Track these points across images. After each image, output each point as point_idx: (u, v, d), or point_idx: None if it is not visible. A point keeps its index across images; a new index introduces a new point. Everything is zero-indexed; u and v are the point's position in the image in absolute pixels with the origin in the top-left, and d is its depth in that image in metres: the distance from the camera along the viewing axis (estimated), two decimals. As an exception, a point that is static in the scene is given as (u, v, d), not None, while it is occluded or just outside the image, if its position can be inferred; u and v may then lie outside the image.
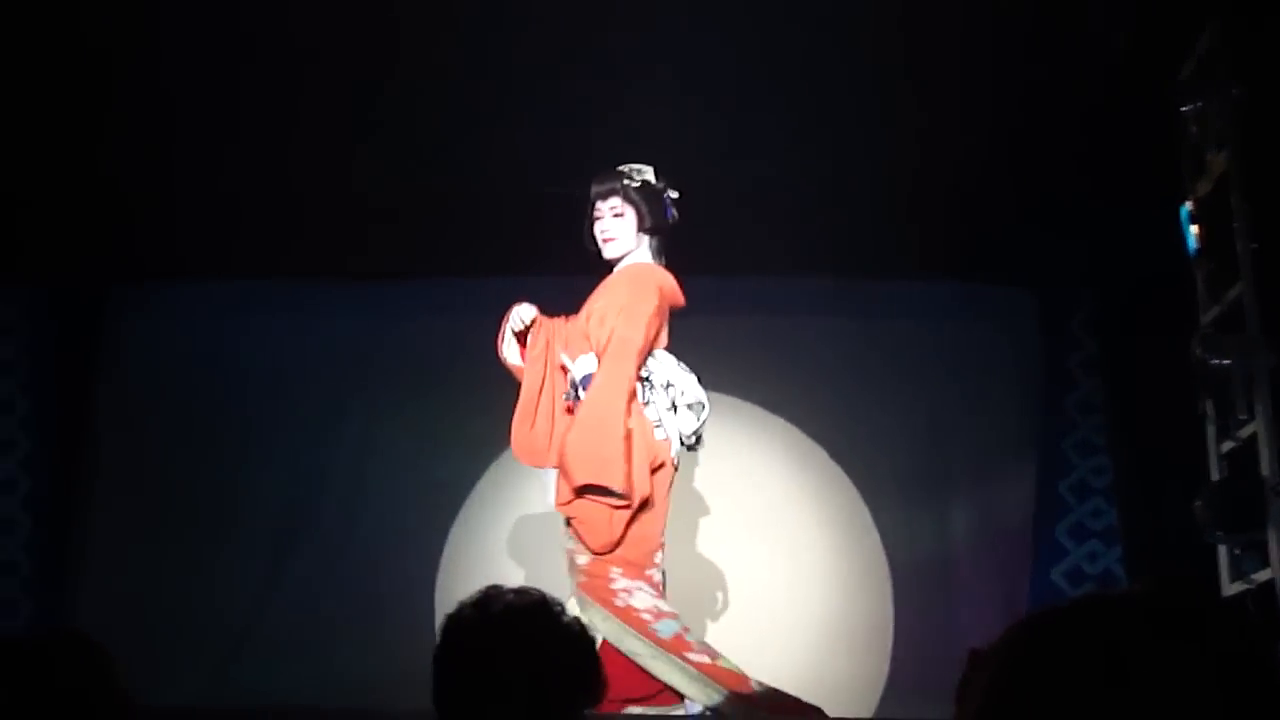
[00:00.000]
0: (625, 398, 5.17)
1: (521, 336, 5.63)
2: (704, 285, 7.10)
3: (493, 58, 6.25)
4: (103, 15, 5.92)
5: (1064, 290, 7.77)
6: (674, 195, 5.60)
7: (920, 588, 7.58)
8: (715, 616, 7.29)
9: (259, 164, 7.03)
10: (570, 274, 5.88)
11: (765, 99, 6.52)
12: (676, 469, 5.39)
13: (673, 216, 5.57)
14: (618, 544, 5.08)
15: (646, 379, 5.33)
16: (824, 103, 6.50)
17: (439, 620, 2.42)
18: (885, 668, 7.48)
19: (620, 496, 5.05)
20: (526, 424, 5.48)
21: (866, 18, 5.94)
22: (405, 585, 7.62)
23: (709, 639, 6.02)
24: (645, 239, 5.55)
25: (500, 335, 5.67)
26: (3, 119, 6.60)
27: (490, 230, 7.52)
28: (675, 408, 5.33)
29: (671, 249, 5.70)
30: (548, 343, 5.58)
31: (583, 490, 5.11)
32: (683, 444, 5.37)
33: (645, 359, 5.33)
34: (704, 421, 5.39)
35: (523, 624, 2.24)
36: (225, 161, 7.01)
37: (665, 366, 5.43)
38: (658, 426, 5.28)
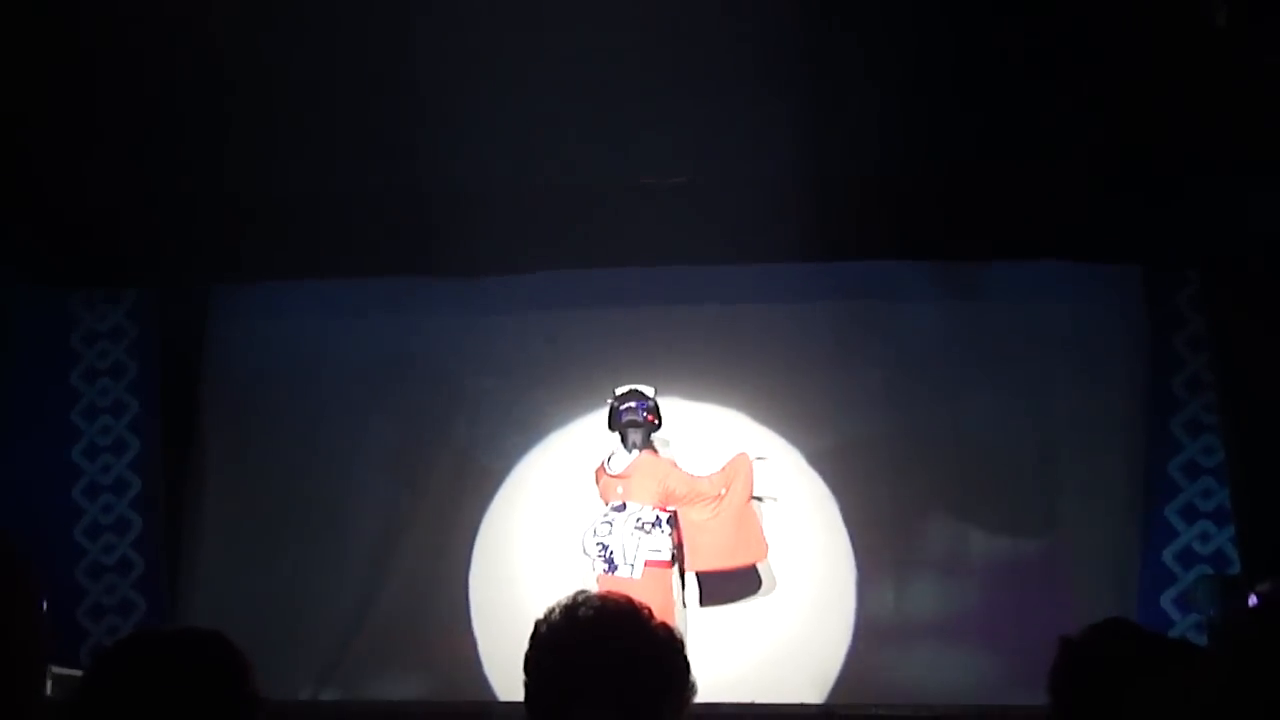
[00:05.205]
0: None
1: None
2: (794, 272, 7.74)
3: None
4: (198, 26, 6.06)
5: (1168, 266, 7.66)
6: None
7: (1021, 572, 7.61)
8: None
9: (357, 165, 7.14)
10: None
11: (862, 80, 6.55)
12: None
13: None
14: None
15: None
16: (919, 83, 6.51)
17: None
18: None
19: None
20: None
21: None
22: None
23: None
24: None
25: None
26: (104, 126, 6.78)
27: (581, 225, 7.65)
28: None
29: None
30: None
31: None
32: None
33: None
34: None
35: (609, 629, 2.27)
36: (323, 164, 7.11)
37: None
38: None
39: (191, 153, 7.00)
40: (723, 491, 7.46)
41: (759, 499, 7.60)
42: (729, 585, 7.73)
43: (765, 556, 7.63)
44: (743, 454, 7.59)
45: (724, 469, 7.55)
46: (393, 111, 6.71)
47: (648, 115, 6.80)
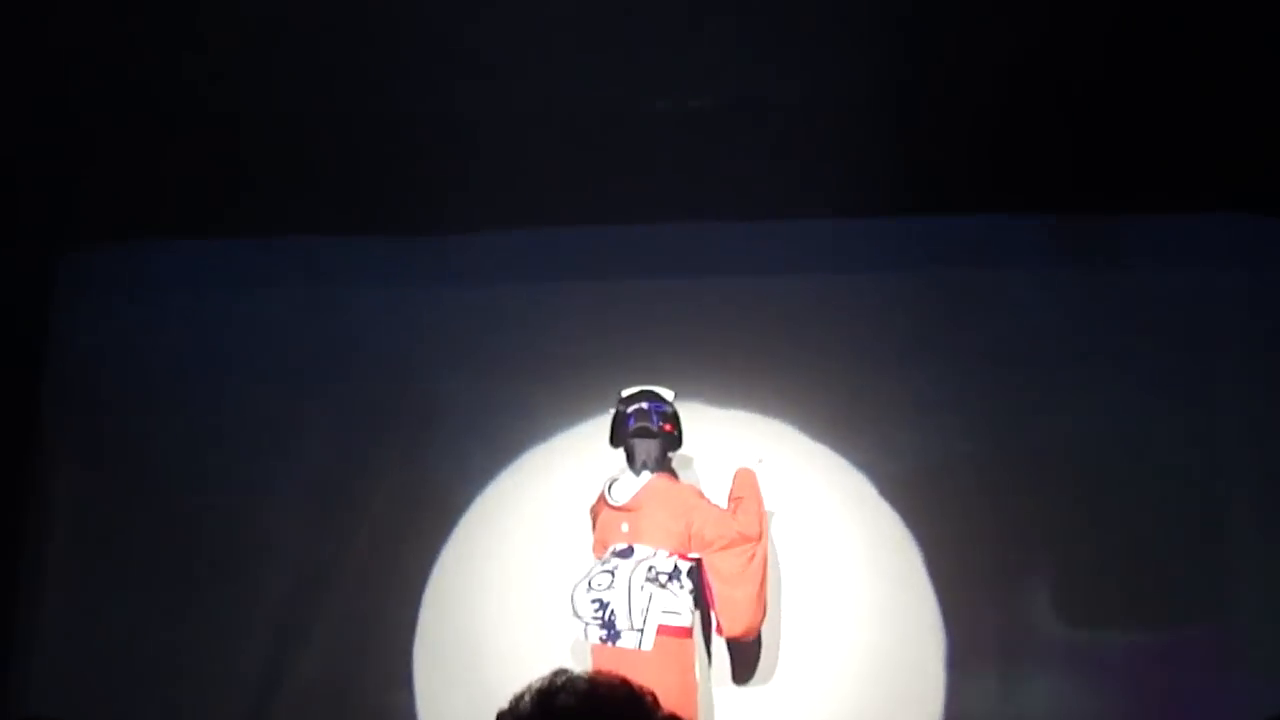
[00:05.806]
0: None
1: None
2: (863, 230, 7.94)
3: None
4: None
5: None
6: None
7: (1173, 652, 7.55)
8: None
9: (265, 80, 7.25)
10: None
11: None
12: None
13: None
14: None
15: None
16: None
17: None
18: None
19: None
20: None
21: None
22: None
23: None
24: None
25: None
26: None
27: (570, 166, 7.77)
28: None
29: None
30: None
31: None
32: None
33: None
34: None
35: (599, 723, 2.23)
36: (217, 77, 7.21)
37: None
38: None
39: (27, 59, 7.05)
40: (759, 530, 7.41)
41: None
42: (757, 654, 7.71)
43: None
44: (745, 470, 7.56)
45: (746, 497, 7.49)
46: (318, 8, 6.74)
47: (660, 18, 6.84)
